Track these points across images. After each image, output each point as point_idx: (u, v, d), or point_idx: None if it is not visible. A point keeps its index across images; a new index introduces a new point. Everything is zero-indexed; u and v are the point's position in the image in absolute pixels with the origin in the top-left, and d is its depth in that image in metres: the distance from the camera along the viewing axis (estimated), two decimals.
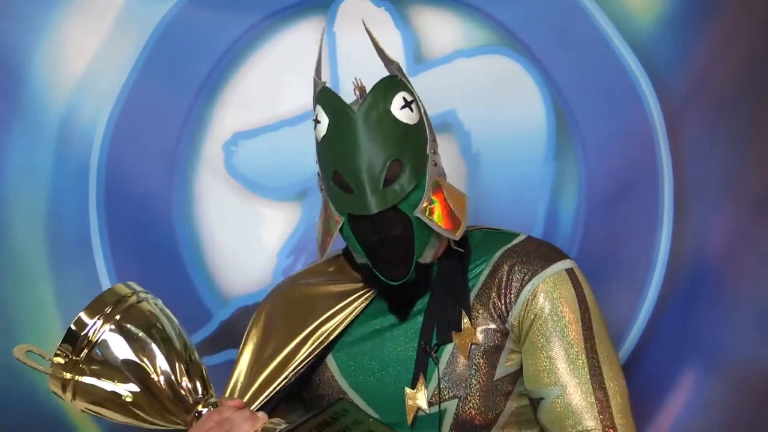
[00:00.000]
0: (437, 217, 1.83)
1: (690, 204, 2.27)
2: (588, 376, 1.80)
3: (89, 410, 1.74)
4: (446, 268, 1.89)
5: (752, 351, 2.18)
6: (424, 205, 1.82)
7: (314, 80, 1.90)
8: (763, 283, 2.20)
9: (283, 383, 1.89)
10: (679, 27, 2.27)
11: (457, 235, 1.84)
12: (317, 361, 1.92)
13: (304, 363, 1.90)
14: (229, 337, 2.32)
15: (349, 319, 1.90)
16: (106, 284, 2.30)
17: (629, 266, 2.29)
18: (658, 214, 2.29)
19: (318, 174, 1.91)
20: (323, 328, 1.90)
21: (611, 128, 2.31)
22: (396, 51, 2.28)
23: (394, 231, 1.80)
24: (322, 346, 1.90)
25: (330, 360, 1.92)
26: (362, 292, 1.92)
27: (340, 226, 1.83)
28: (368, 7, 2.32)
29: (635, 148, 2.31)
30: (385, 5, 2.33)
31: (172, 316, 1.80)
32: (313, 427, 1.68)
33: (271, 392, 1.88)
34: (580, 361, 1.81)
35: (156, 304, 1.79)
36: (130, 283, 1.82)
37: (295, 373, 1.89)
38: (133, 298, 1.76)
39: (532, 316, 1.83)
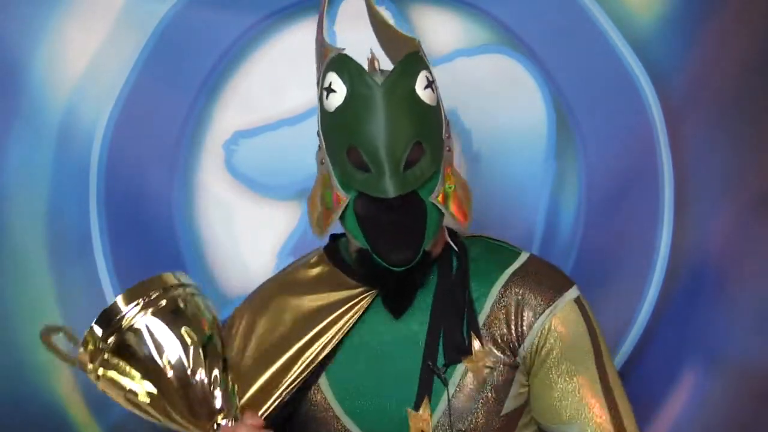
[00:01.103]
0: (449, 206, 1.73)
1: (690, 204, 2.27)
2: (606, 406, 1.74)
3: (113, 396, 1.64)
4: (446, 277, 1.78)
5: (752, 351, 2.18)
6: (440, 191, 1.71)
7: (323, 44, 1.74)
8: (763, 283, 2.20)
9: (275, 403, 1.75)
10: (679, 25, 2.28)
11: (466, 227, 1.75)
12: (309, 379, 1.78)
13: (295, 383, 1.76)
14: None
15: (342, 333, 1.77)
16: (106, 283, 2.30)
17: (629, 266, 2.29)
18: (658, 214, 2.29)
19: (319, 147, 1.77)
20: (315, 345, 1.76)
21: (611, 127, 2.32)
22: None
23: (408, 216, 1.68)
24: (314, 364, 1.76)
25: (323, 381, 1.78)
26: (355, 301, 1.78)
27: (345, 205, 1.70)
28: None
29: (635, 147, 2.31)
30: (385, 4, 2.32)
31: (216, 315, 1.69)
32: None
33: (263, 412, 1.74)
34: (598, 392, 1.74)
35: (206, 304, 1.69)
36: (179, 274, 1.70)
37: (288, 392, 1.75)
38: (180, 290, 1.66)
39: (546, 350, 1.74)
